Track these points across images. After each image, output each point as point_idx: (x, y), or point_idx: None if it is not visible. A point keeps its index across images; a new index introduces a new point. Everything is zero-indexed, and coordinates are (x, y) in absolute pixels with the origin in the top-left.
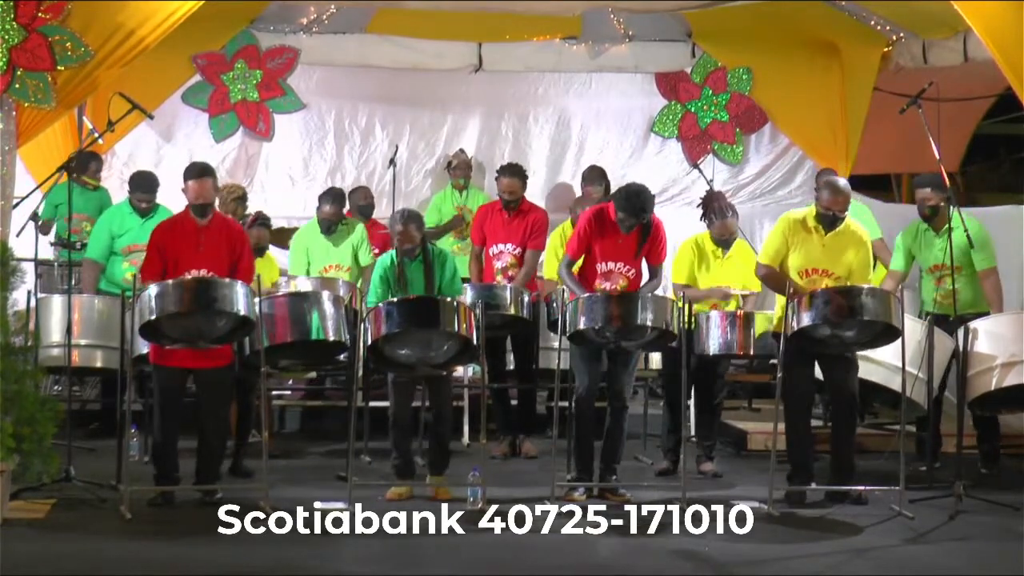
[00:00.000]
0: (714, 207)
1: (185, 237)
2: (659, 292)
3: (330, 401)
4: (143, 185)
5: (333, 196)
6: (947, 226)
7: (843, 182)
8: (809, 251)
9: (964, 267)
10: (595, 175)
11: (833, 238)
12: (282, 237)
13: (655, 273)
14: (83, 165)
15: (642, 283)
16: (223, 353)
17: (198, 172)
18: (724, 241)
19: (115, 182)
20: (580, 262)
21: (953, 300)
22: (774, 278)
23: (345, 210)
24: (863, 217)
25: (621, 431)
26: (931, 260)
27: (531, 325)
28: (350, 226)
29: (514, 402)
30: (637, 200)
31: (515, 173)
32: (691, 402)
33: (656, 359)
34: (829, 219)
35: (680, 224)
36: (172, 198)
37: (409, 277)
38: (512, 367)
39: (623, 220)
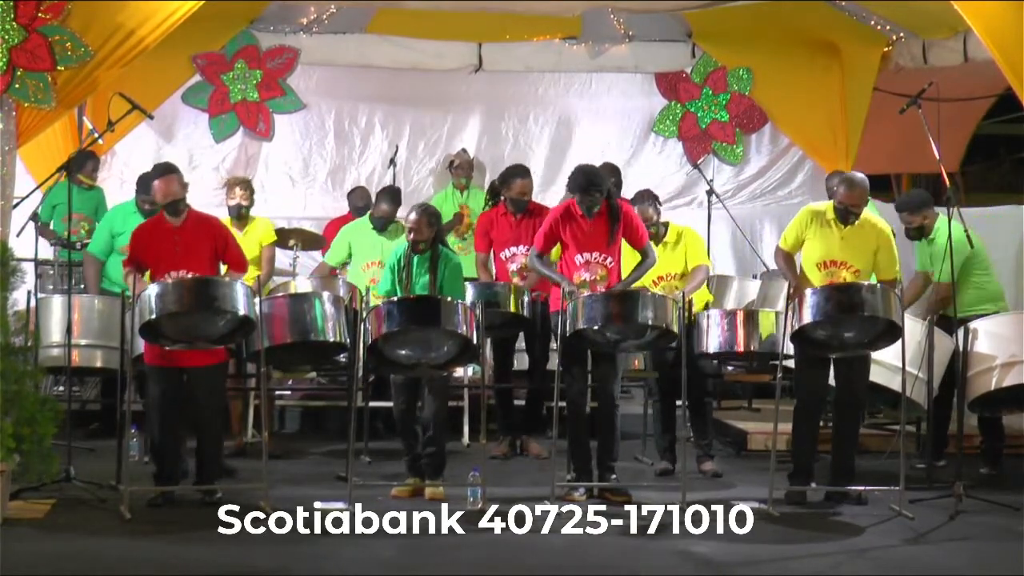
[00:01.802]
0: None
1: (161, 239)
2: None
3: (330, 401)
4: (147, 187)
5: (392, 195)
6: (932, 236)
7: (860, 176)
8: (828, 243)
9: (944, 272)
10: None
11: (852, 231)
12: (282, 237)
13: (645, 253)
14: (79, 164)
15: (635, 267)
16: (216, 351)
17: (161, 171)
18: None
19: (115, 182)
20: (558, 256)
21: (954, 302)
22: (784, 260)
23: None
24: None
25: (613, 430)
26: (926, 265)
27: (531, 324)
28: (401, 227)
29: (520, 403)
30: (581, 177)
31: (528, 174)
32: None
33: None
34: (843, 213)
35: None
36: None
37: (414, 271)
38: (519, 366)
39: (580, 201)
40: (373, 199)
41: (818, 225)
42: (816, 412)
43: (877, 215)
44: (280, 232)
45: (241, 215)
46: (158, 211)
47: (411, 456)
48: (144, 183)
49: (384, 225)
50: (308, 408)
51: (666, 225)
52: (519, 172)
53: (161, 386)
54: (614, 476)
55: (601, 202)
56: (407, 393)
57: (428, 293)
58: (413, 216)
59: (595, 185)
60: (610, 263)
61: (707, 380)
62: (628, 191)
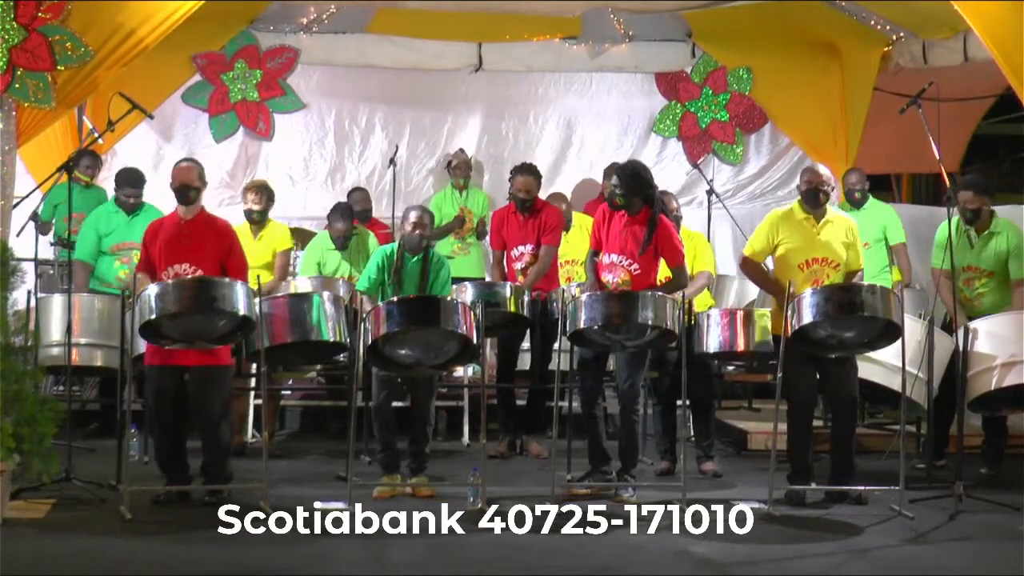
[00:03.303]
0: None
1: (169, 231)
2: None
3: (330, 401)
4: (130, 180)
5: (342, 212)
6: (988, 230)
7: (821, 166)
8: (808, 241)
9: (997, 273)
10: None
11: (826, 227)
12: None
13: (676, 275)
14: (75, 160)
15: (662, 285)
16: (218, 352)
17: (184, 159)
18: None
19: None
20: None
21: (950, 302)
22: (753, 269)
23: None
24: (890, 220)
25: (627, 437)
26: (965, 260)
27: (531, 324)
28: (362, 236)
29: (522, 403)
30: (624, 166)
31: (529, 172)
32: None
33: None
34: (812, 195)
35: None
36: (169, 199)
37: (406, 273)
38: (523, 366)
39: (614, 187)
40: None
41: (791, 227)
42: (809, 411)
43: (898, 222)
44: None
45: (254, 220)
46: (142, 207)
47: (389, 453)
48: (122, 178)
49: (344, 243)
50: (308, 408)
51: (678, 226)
52: (520, 169)
53: (159, 385)
54: (630, 491)
55: (618, 197)
56: (389, 389)
57: (420, 292)
58: (416, 214)
59: (615, 173)
60: (636, 270)
61: (712, 381)
62: None
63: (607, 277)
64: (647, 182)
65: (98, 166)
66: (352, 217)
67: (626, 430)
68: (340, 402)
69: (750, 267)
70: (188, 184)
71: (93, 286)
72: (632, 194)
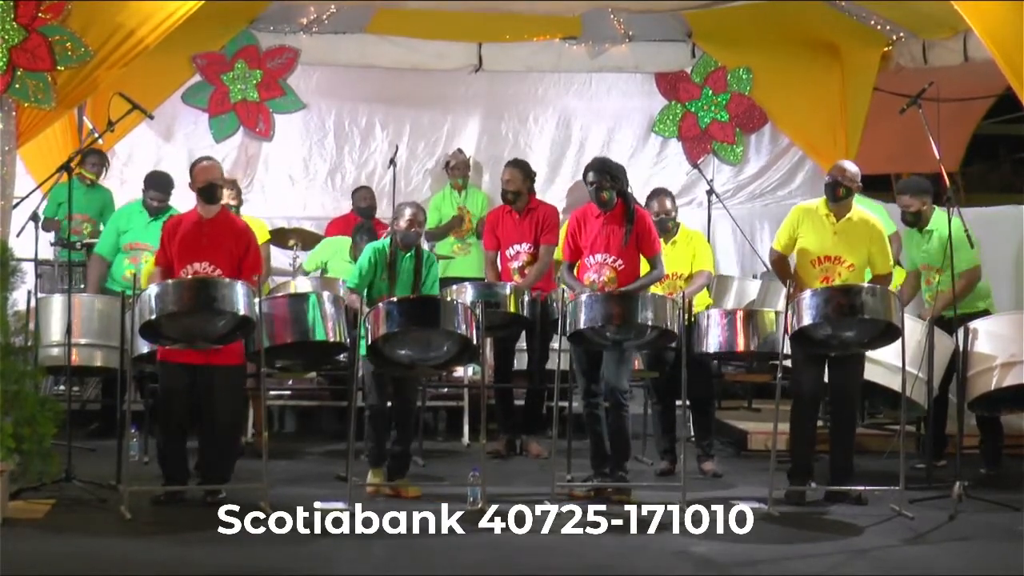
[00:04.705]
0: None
1: (189, 230)
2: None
3: (329, 401)
4: (156, 183)
5: (370, 234)
6: (929, 229)
7: (848, 162)
8: (822, 238)
9: (946, 268)
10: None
11: (845, 225)
12: (282, 237)
13: (654, 264)
14: (82, 157)
15: (643, 276)
16: (234, 351)
17: (203, 159)
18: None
19: (115, 182)
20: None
21: (954, 301)
22: (779, 265)
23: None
24: (876, 211)
25: (616, 432)
26: (918, 260)
27: (531, 324)
28: None
29: (520, 402)
30: (592, 162)
31: (515, 165)
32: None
33: None
34: (829, 188)
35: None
36: (177, 199)
37: (399, 268)
38: (519, 366)
39: (596, 184)
40: (376, 199)
41: (811, 221)
42: (813, 411)
43: (883, 214)
44: (280, 232)
45: None
46: (167, 212)
47: (380, 449)
48: (151, 181)
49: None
50: (307, 408)
51: (677, 225)
52: (508, 163)
53: (170, 384)
54: (623, 474)
55: (605, 190)
56: (383, 388)
57: (412, 291)
58: (411, 211)
59: (594, 169)
60: (620, 265)
61: (711, 380)
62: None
63: (592, 276)
64: (607, 165)
65: (105, 165)
66: (375, 236)
67: (616, 426)
68: (339, 402)
69: (775, 261)
70: (215, 182)
71: (106, 283)
72: (613, 187)
